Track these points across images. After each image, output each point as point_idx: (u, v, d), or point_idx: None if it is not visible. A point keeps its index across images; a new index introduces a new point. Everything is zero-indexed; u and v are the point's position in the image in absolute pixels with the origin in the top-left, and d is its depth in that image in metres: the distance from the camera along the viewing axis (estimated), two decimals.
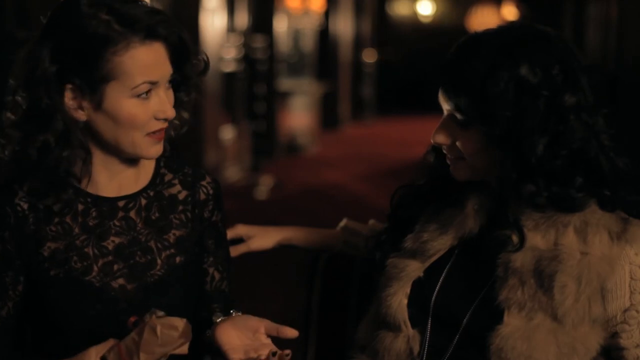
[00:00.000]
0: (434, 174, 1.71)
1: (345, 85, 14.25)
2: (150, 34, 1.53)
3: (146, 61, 1.53)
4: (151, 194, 1.66)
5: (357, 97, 15.08)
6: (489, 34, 1.58)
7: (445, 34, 17.40)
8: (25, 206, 1.60)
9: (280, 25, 10.90)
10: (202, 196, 1.70)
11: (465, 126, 1.56)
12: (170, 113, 1.58)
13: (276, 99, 10.59)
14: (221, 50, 8.65)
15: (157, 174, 1.68)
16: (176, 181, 1.69)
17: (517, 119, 1.50)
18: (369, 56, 15.77)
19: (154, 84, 1.55)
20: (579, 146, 1.53)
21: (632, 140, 1.61)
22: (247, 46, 9.79)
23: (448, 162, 1.63)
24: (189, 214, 1.68)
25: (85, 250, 1.61)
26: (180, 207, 1.68)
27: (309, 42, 12.24)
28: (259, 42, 10.18)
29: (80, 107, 1.55)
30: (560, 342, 1.51)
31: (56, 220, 1.61)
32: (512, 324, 1.53)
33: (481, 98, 1.51)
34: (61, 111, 1.54)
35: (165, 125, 1.59)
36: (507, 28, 1.59)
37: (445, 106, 1.59)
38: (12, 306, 1.62)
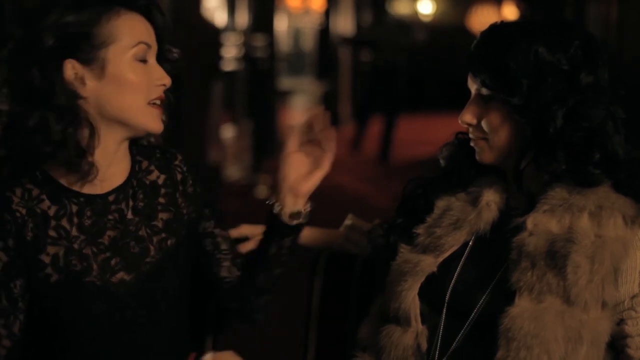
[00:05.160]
0: (448, 167, 1.74)
1: (345, 85, 14.25)
2: (131, 5, 1.61)
3: (137, 25, 1.61)
4: (135, 182, 1.69)
5: (357, 96, 15.07)
6: (511, 22, 1.69)
7: (446, 33, 17.41)
8: (24, 211, 1.59)
9: (281, 24, 10.90)
10: (179, 176, 1.74)
11: (489, 101, 1.64)
12: (167, 80, 1.64)
13: (276, 98, 10.59)
14: (221, 50, 8.65)
15: (134, 161, 1.70)
16: (152, 167, 1.72)
17: (536, 88, 1.58)
18: (369, 55, 15.75)
19: (149, 46, 1.62)
20: (597, 124, 1.58)
21: (632, 139, 1.64)
22: (247, 45, 9.80)
23: (472, 144, 1.68)
24: (171, 196, 1.72)
25: (84, 251, 1.61)
26: (163, 191, 1.71)
27: (309, 41, 12.25)
28: (259, 41, 10.18)
29: (83, 82, 1.57)
30: (567, 325, 1.53)
31: (53, 224, 1.60)
32: (521, 305, 1.55)
33: (503, 70, 1.60)
34: (60, 87, 1.56)
35: (162, 94, 1.64)
36: (529, 18, 1.71)
37: (473, 87, 1.67)
38: (23, 318, 1.59)
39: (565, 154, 1.58)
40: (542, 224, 1.59)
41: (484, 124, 1.65)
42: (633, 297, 1.55)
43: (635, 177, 1.61)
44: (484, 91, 1.64)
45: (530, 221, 1.60)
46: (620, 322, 1.57)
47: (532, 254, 1.57)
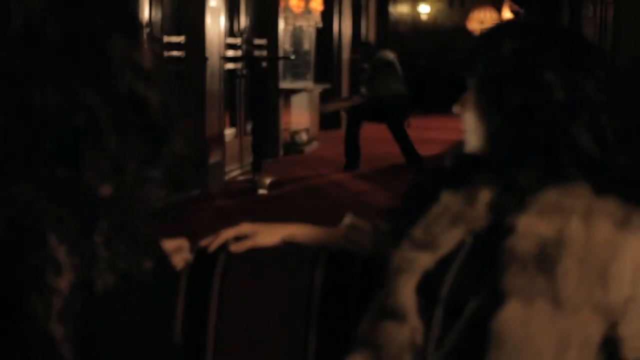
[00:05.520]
0: (454, 164, 1.75)
1: (345, 85, 14.26)
2: None
3: None
4: None
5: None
6: (504, 23, 1.75)
7: (445, 34, 17.44)
8: None
9: (281, 24, 10.91)
10: None
11: (471, 95, 1.67)
12: None
13: (277, 98, 10.60)
14: (222, 49, 8.66)
15: None
16: None
17: (499, 86, 1.61)
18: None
19: None
20: (564, 127, 1.58)
21: (629, 139, 1.63)
22: (248, 45, 9.81)
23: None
24: None
25: (120, 248, 1.57)
26: None
27: (309, 42, 12.25)
28: (259, 41, 10.19)
29: None
30: (558, 328, 1.53)
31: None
32: (512, 309, 1.55)
33: (478, 66, 1.64)
34: None
35: None
36: (524, 19, 1.76)
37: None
38: None
39: (533, 155, 1.59)
40: (533, 226, 1.59)
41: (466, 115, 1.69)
42: (626, 300, 1.54)
43: (626, 180, 1.60)
44: (469, 84, 1.68)
45: (521, 223, 1.60)
46: (614, 325, 1.56)
47: (523, 257, 1.57)
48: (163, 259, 1.68)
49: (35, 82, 1.44)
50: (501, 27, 1.69)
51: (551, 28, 1.66)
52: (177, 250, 1.93)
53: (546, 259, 1.55)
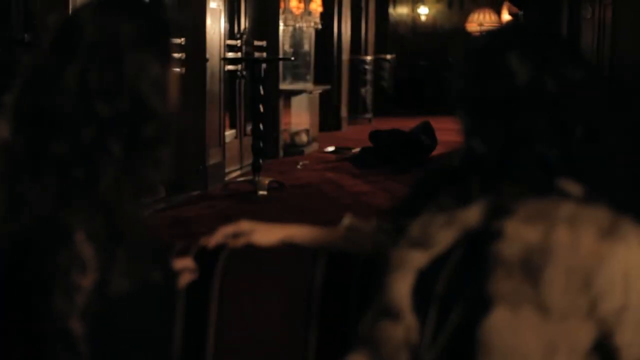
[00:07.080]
0: (459, 165, 1.75)
1: (345, 86, 14.26)
2: None
3: None
4: None
5: (356, 97, 15.09)
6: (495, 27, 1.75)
7: (445, 35, 17.44)
8: None
9: (281, 25, 10.92)
10: None
11: None
12: None
13: (276, 99, 10.61)
14: (222, 51, 8.67)
15: None
16: None
17: (459, 78, 1.62)
18: (369, 56, 15.78)
19: None
20: (512, 116, 1.57)
21: (625, 138, 1.61)
22: (248, 46, 9.81)
23: None
24: None
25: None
26: None
27: (309, 43, 12.25)
28: (259, 42, 10.20)
29: None
30: (545, 335, 1.52)
31: None
32: (499, 315, 1.54)
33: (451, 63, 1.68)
34: None
35: None
36: (521, 19, 1.77)
37: None
38: None
39: (494, 152, 1.59)
40: (519, 231, 1.57)
41: None
42: (619, 309, 1.53)
43: (613, 187, 1.58)
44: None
45: (508, 227, 1.58)
46: (608, 334, 1.55)
47: (509, 262, 1.56)
48: (170, 273, 1.68)
49: (59, 90, 1.45)
50: (486, 34, 1.66)
51: (522, 25, 1.66)
52: (184, 270, 1.92)
53: (532, 266, 1.54)
